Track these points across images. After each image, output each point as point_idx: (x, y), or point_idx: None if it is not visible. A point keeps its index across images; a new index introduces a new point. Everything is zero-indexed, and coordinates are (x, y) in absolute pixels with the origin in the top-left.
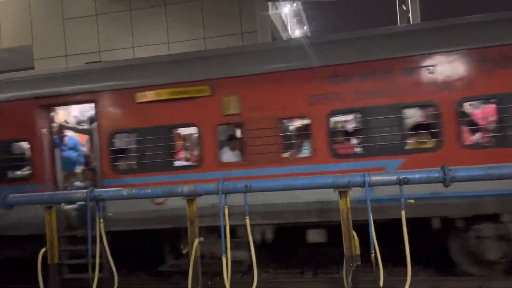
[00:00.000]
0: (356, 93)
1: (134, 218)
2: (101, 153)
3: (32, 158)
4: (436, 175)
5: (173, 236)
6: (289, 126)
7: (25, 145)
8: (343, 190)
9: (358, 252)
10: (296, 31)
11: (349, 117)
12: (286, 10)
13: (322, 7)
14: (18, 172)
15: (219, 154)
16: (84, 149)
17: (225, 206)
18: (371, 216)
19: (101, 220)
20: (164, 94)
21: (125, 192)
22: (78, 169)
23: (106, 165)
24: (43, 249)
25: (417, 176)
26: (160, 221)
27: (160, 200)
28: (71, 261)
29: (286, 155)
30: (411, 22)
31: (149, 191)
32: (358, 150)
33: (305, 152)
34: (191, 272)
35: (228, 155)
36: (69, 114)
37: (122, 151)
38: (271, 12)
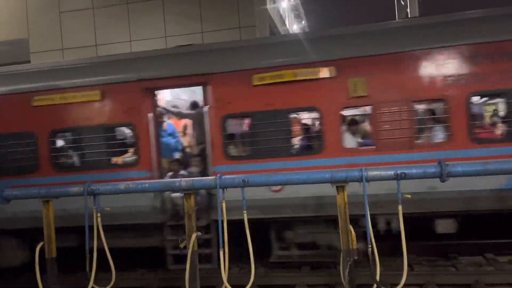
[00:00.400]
0: (501, 74)
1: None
2: (212, 138)
3: (138, 143)
4: (433, 170)
5: (279, 226)
6: (423, 108)
7: (128, 130)
8: (340, 184)
9: (355, 247)
10: (294, 26)
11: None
12: (284, 4)
13: (320, 2)
14: (124, 158)
15: (343, 139)
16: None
17: (223, 201)
18: (368, 210)
19: (98, 214)
20: (283, 76)
21: (122, 186)
22: (177, 155)
23: (218, 151)
24: (41, 243)
25: (414, 171)
26: (275, 210)
27: (277, 187)
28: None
29: (419, 140)
30: (409, 17)
31: (146, 185)
32: (501, 133)
33: (440, 137)
34: (188, 266)
35: (352, 140)
36: (163, 98)
37: (236, 136)
38: (269, 6)
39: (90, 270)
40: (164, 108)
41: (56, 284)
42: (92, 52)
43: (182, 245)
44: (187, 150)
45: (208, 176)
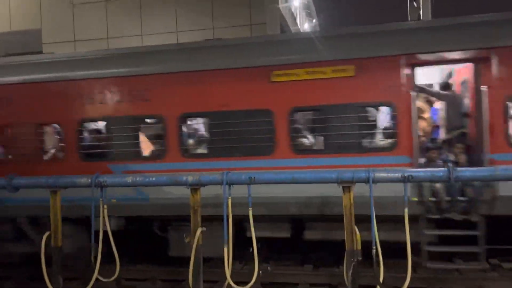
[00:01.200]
0: None
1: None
2: (491, 122)
3: (398, 125)
4: (441, 174)
5: None
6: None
7: (382, 110)
8: (346, 185)
9: (359, 247)
10: (305, 24)
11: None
12: (296, 2)
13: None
14: (378, 141)
15: None
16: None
17: (229, 197)
18: (373, 212)
19: (105, 206)
20: None
21: (129, 179)
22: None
23: (499, 137)
24: (47, 233)
25: (421, 174)
26: None
27: None
28: None
29: None
30: (421, 19)
31: (153, 179)
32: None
33: None
34: (192, 261)
35: None
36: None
37: None
38: (281, 5)
39: (95, 262)
40: (421, 87)
41: (61, 273)
42: (103, 45)
43: (187, 240)
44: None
45: (479, 165)
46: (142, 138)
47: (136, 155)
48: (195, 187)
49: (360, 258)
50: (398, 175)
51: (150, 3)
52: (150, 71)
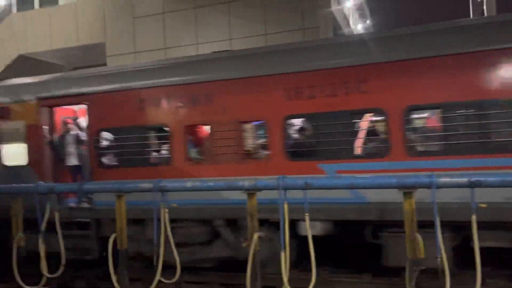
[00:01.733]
0: None
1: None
2: None
3: None
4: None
5: None
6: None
7: None
8: (408, 191)
9: (422, 256)
10: (358, 25)
11: None
12: (349, 4)
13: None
14: None
15: None
16: None
17: (285, 202)
18: (438, 219)
19: (166, 210)
20: None
21: (189, 184)
22: None
23: None
24: (113, 235)
25: (490, 179)
26: None
27: None
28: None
29: None
30: (485, 15)
31: (211, 184)
32: None
33: None
34: (249, 266)
35: None
36: None
37: None
38: (334, 8)
39: (157, 263)
40: None
41: (127, 274)
42: (161, 55)
43: (244, 244)
44: None
45: None
46: (359, 134)
47: (351, 153)
48: (251, 192)
49: (423, 267)
50: (464, 180)
51: (204, 13)
52: (369, 61)
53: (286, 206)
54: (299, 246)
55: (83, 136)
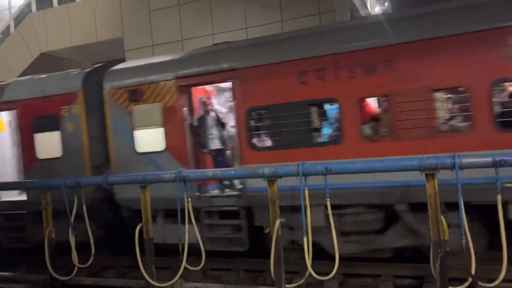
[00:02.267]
0: None
1: None
2: None
3: None
4: None
5: None
6: None
7: None
8: (430, 172)
9: (446, 238)
10: (376, 8)
11: None
12: None
13: None
14: None
15: None
16: None
17: (306, 188)
18: (461, 200)
19: (189, 199)
20: None
21: (210, 173)
22: None
23: None
24: (139, 225)
25: None
26: None
27: None
28: None
29: None
30: None
31: (232, 172)
32: None
33: None
34: (273, 252)
35: None
36: None
37: None
38: None
39: (182, 253)
40: None
41: (153, 262)
42: (178, 47)
43: (266, 231)
44: None
45: None
46: None
47: None
48: (271, 179)
49: (448, 249)
50: (487, 160)
51: (219, 3)
52: None
53: (306, 192)
54: None
55: (225, 117)
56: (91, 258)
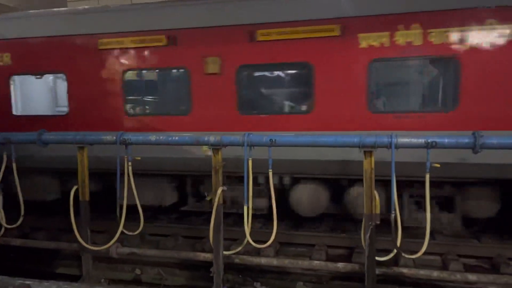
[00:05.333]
0: None
1: None
2: None
3: None
4: (466, 140)
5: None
6: None
7: None
8: (368, 150)
9: (378, 212)
10: None
11: None
12: None
13: None
14: None
15: None
16: None
17: (250, 159)
18: (394, 177)
19: (129, 163)
20: None
21: (153, 137)
22: None
23: None
24: (75, 187)
25: (446, 140)
26: None
27: None
28: None
29: None
30: None
31: (176, 138)
32: None
33: None
34: (213, 219)
35: None
36: None
37: None
38: None
39: (120, 216)
40: None
41: (88, 226)
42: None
43: (208, 198)
44: None
45: None
46: None
47: None
48: (216, 148)
49: (378, 222)
50: (421, 140)
51: None
52: None
53: (250, 162)
54: None
55: None
56: (21, 218)
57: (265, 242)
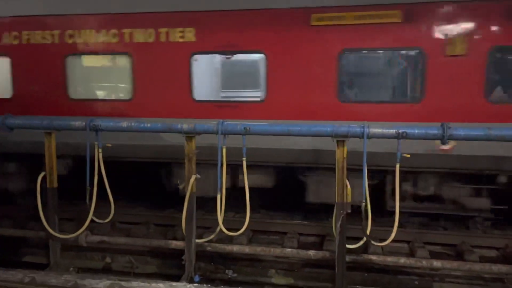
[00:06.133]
0: None
1: None
2: None
3: None
4: (435, 131)
5: None
6: None
7: None
8: (341, 139)
9: (349, 201)
10: None
11: None
12: None
13: None
14: None
15: None
16: None
17: (224, 147)
18: (366, 167)
19: (100, 150)
20: None
21: (124, 124)
22: None
23: None
24: (42, 173)
25: (415, 131)
26: None
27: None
28: None
29: None
30: None
31: (148, 125)
32: None
33: None
34: (186, 207)
35: None
36: None
37: None
38: None
39: (90, 203)
40: None
41: (56, 213)
42: None
43: (181, 187)
44: None
45: None
46: None
47: None
48: (190, 135)
49: (349, 211)
50: (392, 131)
51: None
52: None
53: (224, 150)
54: None
55: None
56: None
57: (238, 230)
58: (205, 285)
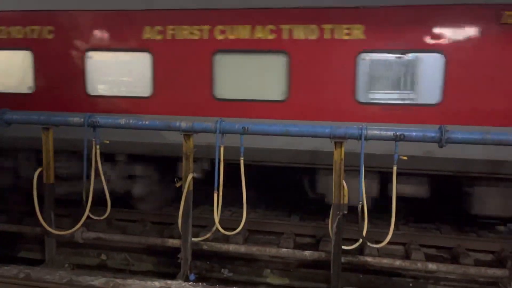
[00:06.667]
0: None
1: None
2: None
3: None
4: (433, 134)
5: None
6: None
7: None
8: (339, 141)
9: (346, 202)
10: None
11: None
12: None
13: None
14: None
15: None
16: None
17: (221, 146)
18: (363, 168)
19: (97, 146)
20: None
21: (122, 121)
22: None
23: None
24: (39, 169)
25: (413, 134)
26: None
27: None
28: None
29: None
30: None
31: (147, 122)
32: None
33: None
34: (182, 205)
35: None
36: None
37: None
38: None
39: (87, 201)
40: None
41: (52, 209)
42: None
43: (178, 185)
44: None
45: None
46: None
47: None
48: (187, 134)
49: (345, 212)
50: (390, 133)
51: None
52: None
53: (222, 149)
54: None
55: None
56: None
57: (235, 229)
58: (200, 283)
